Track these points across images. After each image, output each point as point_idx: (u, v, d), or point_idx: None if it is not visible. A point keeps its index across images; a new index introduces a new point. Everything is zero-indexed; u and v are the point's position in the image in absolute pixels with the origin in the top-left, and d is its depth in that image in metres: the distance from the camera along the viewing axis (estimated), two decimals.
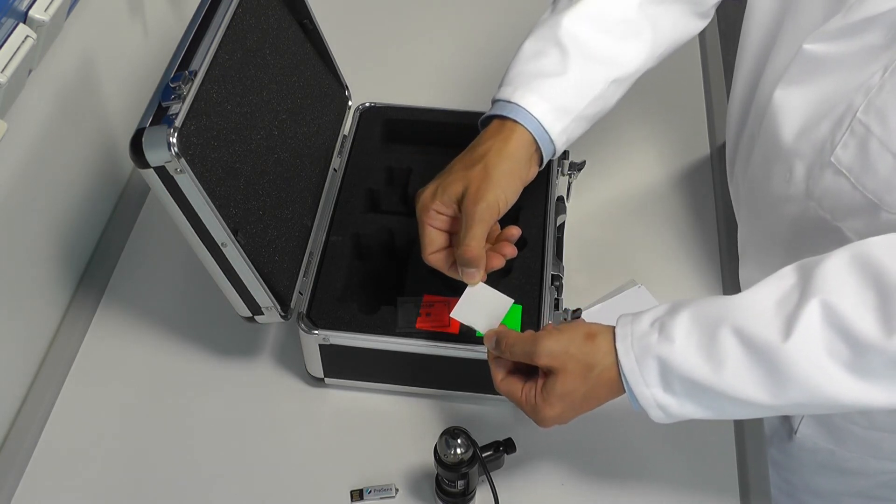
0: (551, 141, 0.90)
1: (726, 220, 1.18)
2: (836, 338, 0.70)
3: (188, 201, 0.83)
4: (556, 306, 0.99)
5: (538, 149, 0.90)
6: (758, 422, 1.01)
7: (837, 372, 0.71)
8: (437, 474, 0.90)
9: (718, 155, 1.26)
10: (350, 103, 1.17)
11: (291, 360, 1.05)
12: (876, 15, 0.78)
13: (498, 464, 0.92)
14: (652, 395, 0.77)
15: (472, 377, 0.96)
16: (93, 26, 1.09)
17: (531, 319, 0.96)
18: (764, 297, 0.74)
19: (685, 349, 0.75)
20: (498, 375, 0.85)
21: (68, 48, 1.04)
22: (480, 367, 0.92)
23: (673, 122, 1.31)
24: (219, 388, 1.04)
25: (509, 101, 0.89)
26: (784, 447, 1.11)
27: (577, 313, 1.00)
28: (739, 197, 1.05)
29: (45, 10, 0.90)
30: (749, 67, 0.98)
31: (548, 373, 0.81)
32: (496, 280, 0.92)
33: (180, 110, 0.81)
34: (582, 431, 0.91)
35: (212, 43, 0.87)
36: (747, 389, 0.74)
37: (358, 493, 0.94)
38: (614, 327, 0.80)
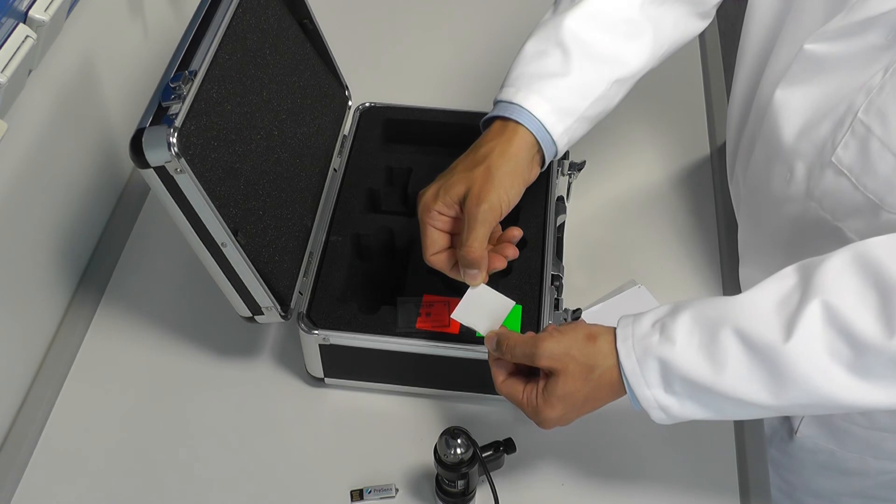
0: (553, 142, 0.90)
1: (726, 220, 1.18)
2: (837, 338, 0.70)
3: (188, 201, 0.83)
4: (556, 306, 0.99)
5: (540, 150, 0.90)
6: (758, 422, 1.01)
7: (838, 372, 0.71)
8: (437, 474, 0.90)
9: (718, 155, 1.26)
10: (350, 103, 1.17)
11: (291, 360, 1.05)
12: (877, 15, 0.78)
13: (498, 464, 0.92)
14: (653, 395, 0.77)
15: (472, 377, 0.96)
16: (93, 26, 1.09)
17: (531, 319, 0.96)
18: (765, 297, 0.74)
19: (686, 350, 0.75)
20: (499, 377, 0.85)
21: (68, 48, 1.04)
22: (480, 367, 0.92)
23: (673, 122, 1.31)
24: (219, 387, 1.04)
25: (511, 103, 0.89)
26: (784, 447, 1.11)
27: (577, 313, 1.00)
28: (739, 197, 1.05)
29: (45, 10, 0.90)
30: (749, 67, 0.98)
31: (549, 374, 0.81)
32: (496, 280, 0.92)
33: (180, 110, 0.81)
34: (582, 431, 0.90)
35: (212, 43, 0.87)
36: (748, 390, 0.74)
37: (358, 493, 0.94)
38: (615, 328, 0.80)
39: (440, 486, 0.91)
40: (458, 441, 0.85)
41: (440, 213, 0.88)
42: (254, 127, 0.94)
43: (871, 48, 0.79)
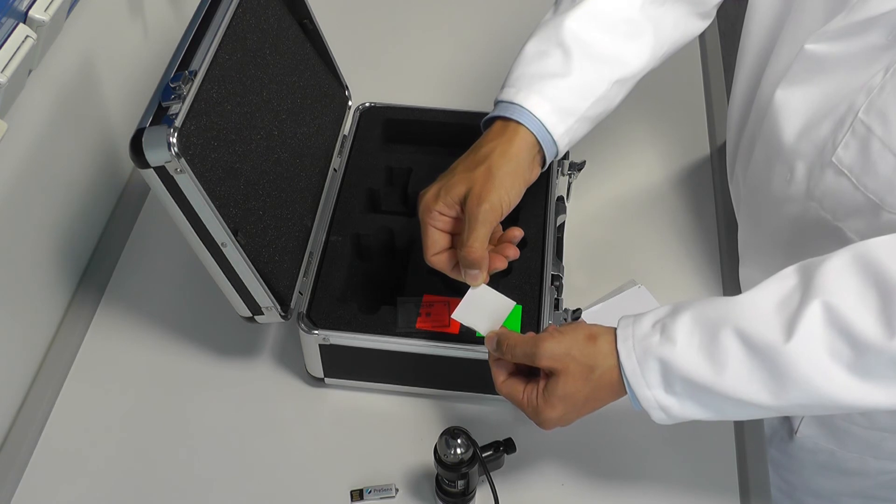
0: (554, 142, 0.90)
1: (726, 220, 1.18)
2: (838, 339, 0.70)
3: (188, 201, 0.83)
4: (556, 306, 0.99)
5: (541, 150, 0.90)
6: (758, 422, 1.01)
7: (839, 373, 0.71)
8: (437, 474, 0.90)
9: (718, 155, 1.26)
10: (350, 103, 1.17)
11: (291, 360, 1.05)
12: (878, 15, 0.78)
13: (498, 464, 0.92)
14: (654, 396, 0.77)
15: (472, 377, 0.96)
16: (93, 26, 1.09)
17: (531, 319, 0.96)
18: (765, 298, 0.74)
19: (687, 350, 0.75)
20: (499, 377, 0.85)
21: (68, 48, 1.04)
22: (480, 367, 0.92)
23: (673, 122, 1.31)
24: (219, 387, 1.04)
25: (512, 103, 0.89)
26: (784, 447, 1.11)
27: (577, 313, 1.00)
28: (740, 197, 1.05)
29: (45, 10, 0.90)
30: (750, 67, 0.98)
31: (549, 374, 0.81)
32: (496, 280, 0.92)
33: (180, 110, 0.81)
34: (582, 431, 0.90)
35: (212, 43, 0.87)
36: (749, 390, 0.74)
37: (358, 493, 0.94)
38: (615, 329, 0.80)
39: (440, 486, 0.91)
40: (458, 441, 0.85)
41: (441, 213, 0.88)
42: (254, 127, 0.94)
43: (871, 48, 0.79)
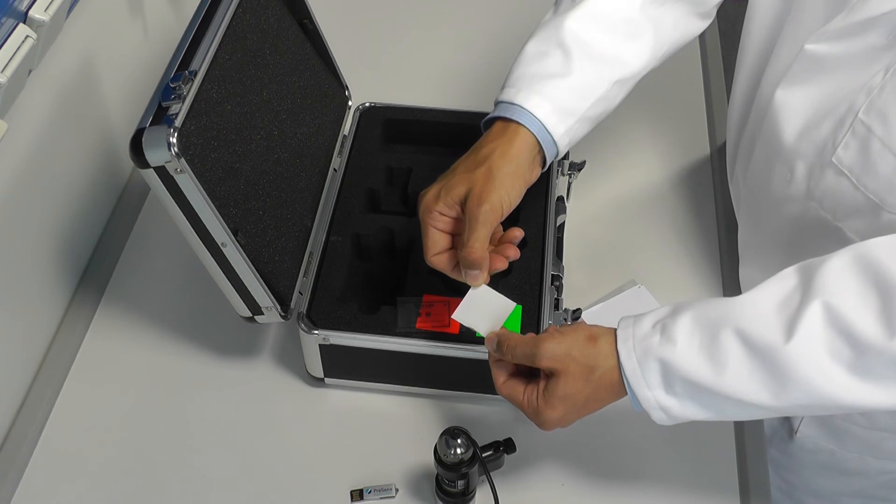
0: (554, 143, 0.90)
1: (726, 220, 1.18)
2: (838, 339, 0.70)
3: (188, 201, 0.83)
4: (556, 306, 0.99)
5: (541, 150, 0.90)
6: (758, 422, 1.01)
7: (839, 373, 0.71)
8: (437, 474, 0.90)
9: (718, 155, 1.26)
10: (350, 103, 1.17)
11: (291, 360, 1.05)
12: (878, 15, 0.78)
13: (498, 464, 0.92)
14: (654, 396, 0.77)
15: (472, 377, 0.96)
16: (93, 26, 1.09)
17: (531, 319, 0.96)
18: (766, 298, 0.74)
19: (687, 351, 0.75)
20: (499, 378, 0.85)
21: (68, 48, 1.04)
22: (480, 367, 0.92)
23: (673, 122, 1.31)
24: (219, 387, 1.04)
25: (512, 103, 0.89)
26: (784, 447, 1.11)
27: (577, 313, 1.00)
28: (740, 197, 1.05)
29: (45, 10, 0.90)
30: (750, 67, 0.98)
31: (549, 375, 0.81)
32: (496, 280, 0.92)
33: (180, 110, 0.81)
34: (582, 432, 0.90)
35: (212, 43, 0.87)
36: (749, 391, 0.74)
37: (358, 493, 0.94)
38: (616, 329, 0.80)
39: (440, 486, 0.91)
40: (458, 441, 0.85)
41: (441, 213, 0.88)
42: (254, 127, 0.94)
43: (871, 48, 0.79)
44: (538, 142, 0.89)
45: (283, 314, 0.94)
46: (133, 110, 1.07)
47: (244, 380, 1.04)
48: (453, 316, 0.89)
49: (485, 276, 0.88)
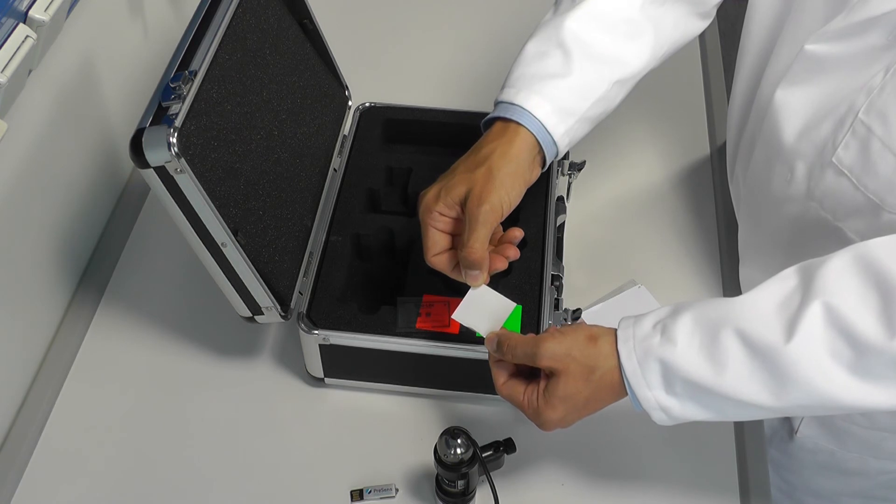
0: (554, 143, 0.90)
1: (726, 220, 1.18)
2: (839, 339, 0.70)
3: (188, 201, 0.83)
4: (556, 306, 0.99)
5: (541, 150, 0.90)
6: (758, 422, 1.01)
7: (839, 373, 0.71)
8: (437, 474, 0.90)
9: (718, 155, 1.26)
10: (350, 103, 1.17)
11: (291, 360, 1.05)
12: (878, 15, 0.78)
13: (498, 464, 0.92)
14: (654, 397, 0.77)
15: (472, 377, 0.96)
16: (93, 26, 1.09)
17: (531, 319, 0.96)
18: (766, 298, 0.74)
19: (687, 351, 0.75)
20: (500, 379, 0.85)
21: (68, 48, 1.04)
22: (480, 367, 0.92)
23: (673, 122, 1.31)
24: (219, 387, 1.04)
25: (512, 104, 0.89)
26: (784, 447, 1.11)
27: (577, 313, 1.00)
28: (740, 197, 1.05)
29: (45, 10, 0.90)
30: (750, 67, 0.98)
31: (550, 375, 0.81)
32: (495, 280, 0.92)
33: (180, 110, 0.81)
34: (582, 432, 0.90)
35: (212, 43, 0.87)
36: (749, 391, 0.74)
37: (358, 493, 0.94)
38: (616, 330, 0.80)
39: (440, 486, 0.91)
40: (458, 441, 0.85)
41: (441, 214, 0.88)
42: (254, 127, 0.94)
43: (871, 49, 0.79)
44: (538, 142, 0.89)
45: (283, 314, 0.94)
46: (133, 110, 1.07)
47: (244, 380, 1.04)
48: (453, 316, 0.89)
49: (485, 276, 0.88)
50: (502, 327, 0.87)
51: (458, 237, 0.89)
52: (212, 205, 0.83)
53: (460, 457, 0.86)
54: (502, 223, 0.89)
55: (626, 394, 0.79)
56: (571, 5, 0.92)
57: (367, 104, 1.16)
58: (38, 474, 0.98)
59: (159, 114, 0.81)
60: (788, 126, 0.87)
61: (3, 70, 0.84)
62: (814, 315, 0.71)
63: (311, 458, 0.98)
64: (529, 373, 0.85)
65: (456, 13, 1.49)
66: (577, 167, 1.12)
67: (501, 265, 0.89)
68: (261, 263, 0.91)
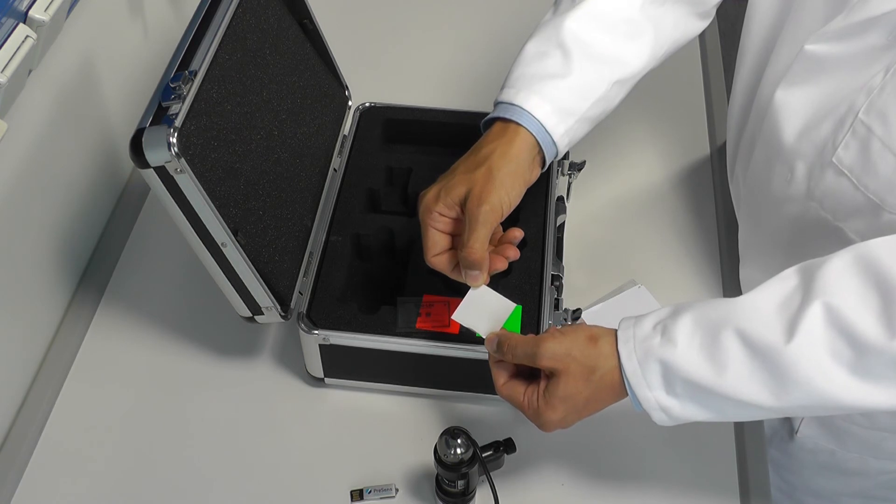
0: (554, 143, 0.90)
1: (726, 220, 1.18)
2: (839, 339, 0.70)
3: (188, 201, 0.83)
4: (556, 306, 0.99)
5: (541, 151, 0.90)
6: (758, 422, 1.01)
7: (840, 374, 0.71)
8: (437, 474, 0.90)
9: (718, 155, 1.26)
10: (350, 103, 1.17)
11: (291, 360, 1.05)
12: (878, 16, 0.78)
13: (498, 464, 0.92)
14: (655, 397, 0.77)
15: (472, 377, 0.96)
16: (93, 26, 1.09)
17: (531, 319, 0.96)
18: (766, 299, 0.74)
19: (688, 352, 0.75)
20: (500, 380, 0.85)
21: (68, 48, 1.04)
22: (480, 367, 0.92)
23: (673, 122, 1.31)
24: (219, 387, 1.04)
25: (512, 104, 0.89)
26: (784, 447, 1.11)
27: (577, 313, 1.00)
28: (740, 197, 1.05)
29: (45, 10, 0.90)
30: (750, 68, 0.98)
31: (550, 375, 0.81)
32: (495, 280, 0.92)
33: (180, 110, 0.81)
34: (582, 432, 0.90)
35: (212, 43, 0.87)
36: (750, 391, 0.74)
37: (358, 493, 0.94)
38: (616, 330, 0.80)
39: (440, 486, 0.91)
40: (458, 441, 0.85)
41: (441, 214, 0.88)
42: (254, 127, 0.94)
43: (871, 49, 0.79)
44: (538, 142, 0.89)
45: (283, 314, 0.94)
46: (133, 110, 1.07)
47: (244, 380, 1.04)
48: (453, 317, 0.89)
49: (485, 276, 0.88)
50: (502, 328, 0.87)
51: (458, 237, 0.89)
52: (212, 205, 0.83)
53: (460, 457, 0.86)
54: (502, 223, 0.89)
55: (627, 394, 0.79)
56: (571, 5, 0.92)
57: (367, 104, 1.16)
58: (38, 474, 0.98)
59: (159, 114, 0.81)
60: (788, 126, 0.87)
61: (3, 70, 0.84)
62: (814, 315, 0.71)
63: (311, 458, 0.98)
64: (529, 373, 0.85)
65: (456, 13, 1.49)
66: (577, 167, 1.12)
67: (501, 265, 0.89)
68: (261, 263, 0.91)
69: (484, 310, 0.88)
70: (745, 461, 0.97)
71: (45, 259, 1.07)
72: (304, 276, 0.99)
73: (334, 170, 1.11)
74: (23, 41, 0.87)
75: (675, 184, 1.23)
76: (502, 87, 0.92)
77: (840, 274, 0.72)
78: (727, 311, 0.75)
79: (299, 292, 0.98)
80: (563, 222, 1.07)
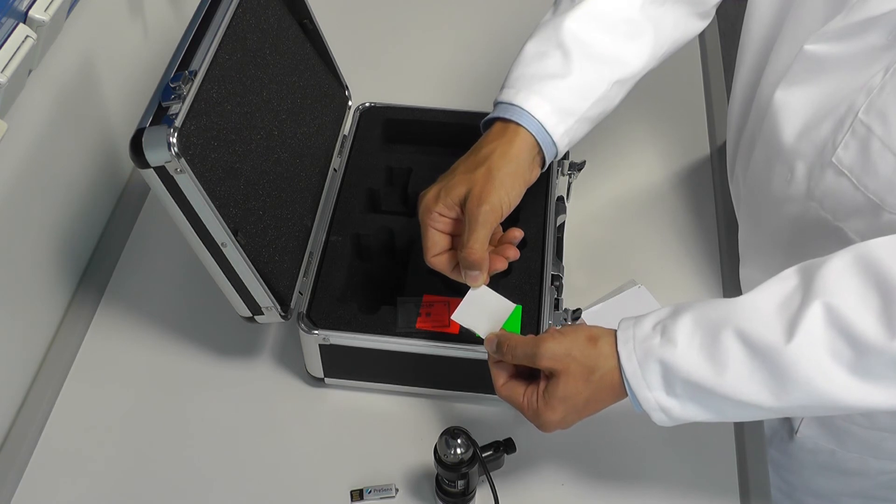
0: (554, 143, 0.90)
1: (726, 220, 1.18)
2: (839, 340, 0.70)
3: (188, 201, 0.83)
4: (556, 306, 0.99)
5: (541, 151, 0.90)
6: (758, 422, 1.01)
7: (840, 374, 0.71)
8: (437, 474, 0.90)
9: (718, 155, 1.26)
10: (350, 103, 1.17)
11: (291, 360, 1.05)
12: (878, 15, 0.78)
13: (498, 464, 0.92)
14: (654, 398, 0.77)
15: (472, 377, 0.96)
16: (93, 26, 1.09)
17: (531, 319, 0.96)
18: (766, 299, 0.74)
19: (687, 352, 0.75)
20: (499, 380, 0.85)
21: (68, 48, 1.04)
22: (480, 367, 0.92)
23: (673, 122, 1.31)
24: (219, 387, 1.04)
25: (512, 104, 0.89)
26: (784, 448, 1.11)
27: (577, 313, 1.00)
28: (740, 197, 1.05)
29: (45, 10, 0.90)
30: (750, 67, 0.98)
31: (550, 376, 0.81)
32: (495, 280, 0.92)
33: (180, 110, 0.81)
34: (582, 432, 0.90)
35: (212, 43, 0.87)
36: (750, 392, 0.74)
37: (358, 493, 0.94)
38: (616, 330, 0.80)
39: (440, 486, 0.91)
40: (458, 441, 0.85)
41: (441, 214, 0.88)
42: (254, 127, 0.94)
43: (871, 48, 0.79)
44: (537, 142, 0.89)
45: (283, 314, 0.94)
46: (133, 110, 1.07)
47: (244, 380, 1.04)
48: (453, 317, 0.89)
49: (484, 276, 0.88)
50: (502, 328, 0.87)
51: (457, 238, 0.89)
52: (212, 205, 0.83)
53: (460, 457, 0.86)
54: (502, 223, 0.89)
55: (626, 395, 0.79)
56: (571, 5, 0.92)
57: (367, 104, 1.16)
58: (38, 474, 0.98)
59: (159, 114, 0.81)
60: (788, 126, 0.87)
61: (3, 70, 0.84)
62: (814, 315, 0.71)
63: (311, 458, 0.98)
64: (529, 374, 0.85)
65: (456, 13, 1.49)
66: (577, 167, 1.12)
67: (501, 265, 0.89)
68: (261, 263, 0.91)
69: (484, 310, 0.88)
70: (745, 461, 0.97)
71: (45, 259, 1.07)
72: (304, 276, 0.99)
73: (334, 170, 1.11)
74: (23, 41, 0.87)
75: (675, 184, 1.23)
76: (502, 88, 0.92)
77: (840, 274, 0.72)
78: (727, 312, 0.75)
79: (299, 292, 0.98)
80: (563, 222, 1.07)
